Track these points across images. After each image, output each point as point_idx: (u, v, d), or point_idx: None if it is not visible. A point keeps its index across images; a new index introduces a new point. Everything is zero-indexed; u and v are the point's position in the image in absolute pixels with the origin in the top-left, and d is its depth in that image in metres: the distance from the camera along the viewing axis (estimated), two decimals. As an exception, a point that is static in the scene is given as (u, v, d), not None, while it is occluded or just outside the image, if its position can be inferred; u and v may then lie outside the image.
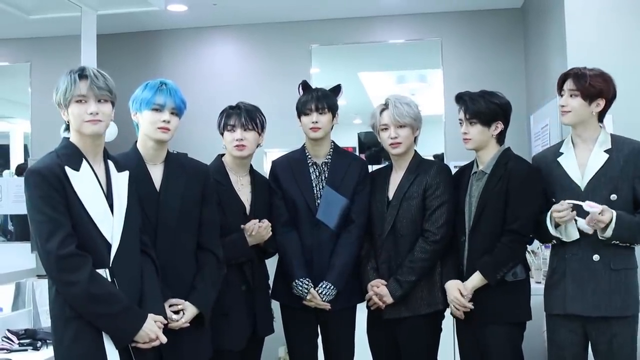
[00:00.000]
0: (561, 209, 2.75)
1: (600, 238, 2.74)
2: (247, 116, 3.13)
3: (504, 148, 3.08)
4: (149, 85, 2.75)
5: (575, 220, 2.78)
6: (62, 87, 2.40)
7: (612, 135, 2.90)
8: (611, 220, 2.68)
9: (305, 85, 3.32)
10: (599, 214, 2.68)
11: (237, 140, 3.11)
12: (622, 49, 4.04)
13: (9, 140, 4.71)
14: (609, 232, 2.70)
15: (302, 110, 3.25)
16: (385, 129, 3.19)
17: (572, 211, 2.74)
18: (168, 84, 2.77)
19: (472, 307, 2.98)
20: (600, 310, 2.76)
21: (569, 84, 2.86)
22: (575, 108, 2.84)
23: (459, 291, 2.99)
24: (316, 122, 3.21)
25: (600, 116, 2.88)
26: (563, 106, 2.87)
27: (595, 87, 2.82)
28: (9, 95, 4.84)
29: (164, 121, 2.72)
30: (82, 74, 2.40)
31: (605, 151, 2.84)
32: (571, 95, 2.84)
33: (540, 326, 3.05)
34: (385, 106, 3.21)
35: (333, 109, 3.27)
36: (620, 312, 2.76)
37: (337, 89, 3.34)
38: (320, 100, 3.22)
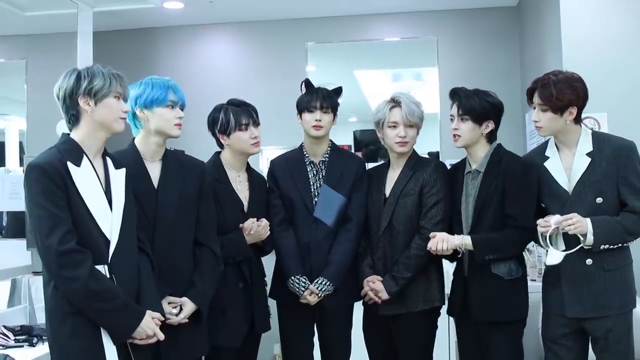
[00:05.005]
0: (545, 225, 2.75)
1: (585, 247, 2.72)
2: (255, 112, 3.19)
3: (495, 145, 3.08)
4: (157, 83, 2.76)
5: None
6: (99, 78, 2.41)
7: (593, 133, 2.87)
8: (587, 226, 2.68)
9: (308, 84, 3.33)
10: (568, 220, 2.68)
11: (254, 137, 3.16)
12: (617, 47, 4.07)
13: (4, 137, 4.72)
14: (590, 237, 2.68)
15: (305, 107, 3.25)
16: (394, 126, 3.18)
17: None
18: (171, 81, 2.81)
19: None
20: (598, 311, 2.76)
21: (537, 98, 2.82)
22: (546, 122, 2.81)
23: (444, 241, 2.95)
24: (319, 120, 3.22)
25: (577, 119, 2.84)
26: (536, 121, 2.84)
27: (563, 100, 2.76)
28: (5, 92, 4.85)
29: (179, 117, 2.78)
30: (118, 74, 2.47)
31: (587, 154, 2.80)
32: (541, 110, 2.81)
33: (536, 323, 3.06)
34: (396, 104, 3.18)
35: (335, 110, 3.29)
36: (618, 310, 2.76)
37: (338, 91, 3.34)
38: (325, 100, 3.24)
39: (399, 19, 5.68)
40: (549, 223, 2.73)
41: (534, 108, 2.86)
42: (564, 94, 2.76)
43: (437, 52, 5.63)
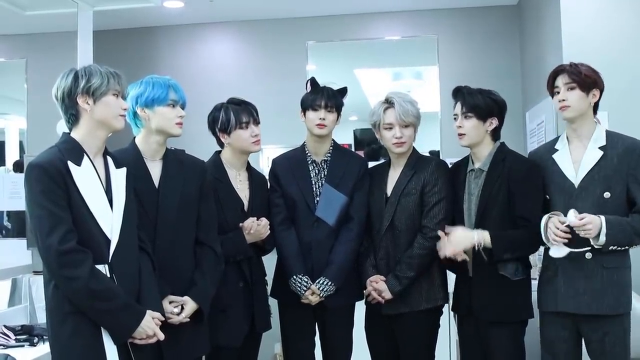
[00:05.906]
0: (559, 232, 2.73)
1: (596, 247, 2.71)
2: (255, 111, 3.19)
3: (498, 143, 3.08)
4: (157, 82, 2.77)
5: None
6: (97, 76, 2.41)
7: (607, 131, 2.89)
8: (601, 226, 2.67)
9: (313, 82, 3.32)
10: (584, 225, 2.67)
11: (255, 136, 3.16)
12: (618, 46, 4.06)
13: (4, 136, 4.72)
14: (602, 238, 2.68)
15: (310, 105, 3.24)
16: (390, 128, 3.17)
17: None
18: (172, 80, 2.81)
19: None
20: (591, 308, 2.76)
21: (563, 79, 2.85)
22: (575, 101, 2.82)
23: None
24: (323, 119, 3.21)
25: (594, 109, 2.88)
26: (563, 100, 2.84)
27: (590, 77, 2.82)
28: (5, 91, 4.84)
29: (180, 116, 2.78)
30: (116, 72, 2.47)
31: (599, 148, 2.82)
32: (568, 89, 2.83)
33: (536, 322, 3.06)
34: (390, 104, 3.18)
35: (339, 110, 3.29)
36: (612, 310, 2.75)
37: (343, 91, 3.34)
38: (330, 99, 3.23)
39: (399, 17, 5.67)
40: (564, 230, 2.71)
41: (557, 93, 2.87)
42: (590, 72, 2.84)
43: (438, 50, 5.63)
